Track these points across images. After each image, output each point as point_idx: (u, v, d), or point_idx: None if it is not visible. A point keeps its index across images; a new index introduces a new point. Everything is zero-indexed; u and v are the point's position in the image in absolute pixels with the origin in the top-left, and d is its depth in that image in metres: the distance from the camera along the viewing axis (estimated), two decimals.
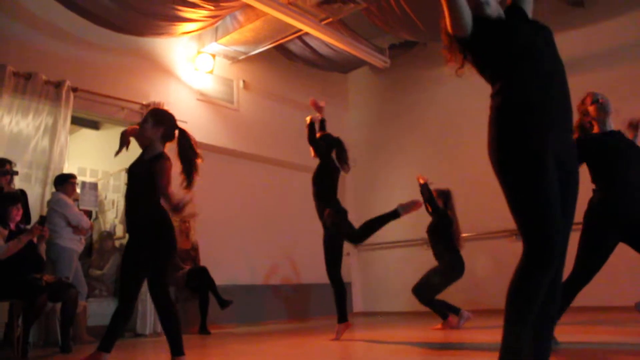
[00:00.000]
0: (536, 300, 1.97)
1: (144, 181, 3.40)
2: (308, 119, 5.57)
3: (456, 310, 5.54)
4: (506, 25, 2.21)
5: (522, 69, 2.14)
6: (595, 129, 3.74)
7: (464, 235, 5.95)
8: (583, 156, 3.54)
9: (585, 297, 3.58)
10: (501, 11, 2.29)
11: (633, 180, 3.60)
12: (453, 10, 2.17)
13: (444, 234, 5.75)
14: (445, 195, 5.90)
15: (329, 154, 5.44)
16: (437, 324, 5.55)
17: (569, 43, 7.40)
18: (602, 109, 3.68)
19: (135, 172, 3.49)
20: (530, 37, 2.19)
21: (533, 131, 2.05)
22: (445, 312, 5.53)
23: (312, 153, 5.46)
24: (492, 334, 5.28)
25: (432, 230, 5.86)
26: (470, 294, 6.71)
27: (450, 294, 5.73)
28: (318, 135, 5.53)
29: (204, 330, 6.29)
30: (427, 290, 5.60)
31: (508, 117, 2.11)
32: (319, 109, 5.66)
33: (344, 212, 5.19)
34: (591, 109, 3.72)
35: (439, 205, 5.81)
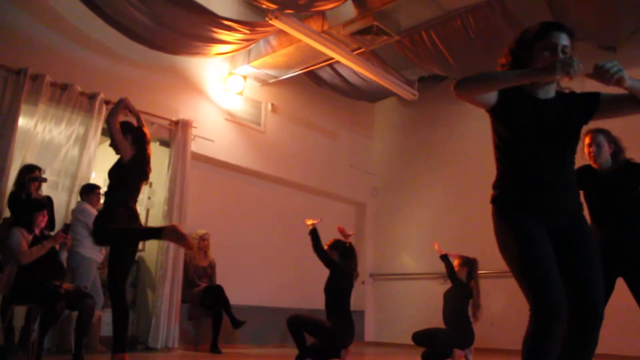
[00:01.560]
0: (548, 355, 2.04)
1: (112, 180, 4.38)
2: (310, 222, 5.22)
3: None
4: (509, 105, 2.21)
5: (511, 160, 2.26)
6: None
7: (481, 272, 5.88)
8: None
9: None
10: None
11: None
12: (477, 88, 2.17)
13: (460, 303, 5.65)
14: (471, 264, 5.76)
15: (343, 262, 5.16)
16: None
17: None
18: (592, 158, 3.65)
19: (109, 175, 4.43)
20: (526, 122, 2.19)
21: (516, 223, 2.18)
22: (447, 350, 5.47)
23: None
24: None
25: (448, 295, 5.78)
26: (485, 332, 6.62)
27: None
28: (331, 241, 5.27)
29: (215, 349, 6.27)
30: (426, 344, 5.53)
31: (496, 211, 2.28)
32: (346, 236, 5.34)
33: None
34: (585, 151, 3.68)
35: (460, 278, 5.70)
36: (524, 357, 2.07)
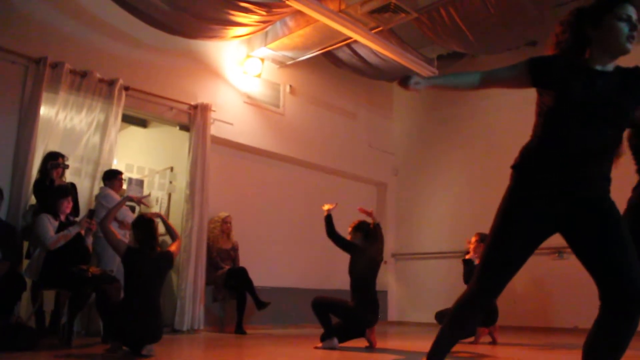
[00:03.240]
0: (463, 324, 2.37)
1: None
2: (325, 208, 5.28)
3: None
4: (557, 75, 2.10)
5: (549, 129, 2.14)
6: None
7: None
8: None
9: None
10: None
11: None
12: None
13: None
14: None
15: (367, 243, 5.17)
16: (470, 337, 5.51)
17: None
18: None
19: None
20: (575, 89, 2.07)
21: (517, 206, 2.16)
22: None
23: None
24: (525, 350, 5.22)
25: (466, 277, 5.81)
26: (508, 309, 6.61)
27: None
28: (355, 222, 5.29)
29: (240, 330, 6.36)
30: None
31: (512, 178, 2.23)
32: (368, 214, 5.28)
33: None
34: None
35: (473, 260, 5.73)
36: (450, 317, 2.33)
